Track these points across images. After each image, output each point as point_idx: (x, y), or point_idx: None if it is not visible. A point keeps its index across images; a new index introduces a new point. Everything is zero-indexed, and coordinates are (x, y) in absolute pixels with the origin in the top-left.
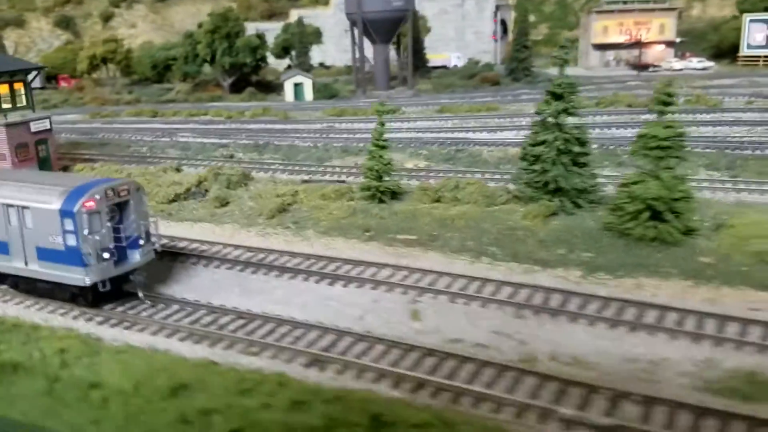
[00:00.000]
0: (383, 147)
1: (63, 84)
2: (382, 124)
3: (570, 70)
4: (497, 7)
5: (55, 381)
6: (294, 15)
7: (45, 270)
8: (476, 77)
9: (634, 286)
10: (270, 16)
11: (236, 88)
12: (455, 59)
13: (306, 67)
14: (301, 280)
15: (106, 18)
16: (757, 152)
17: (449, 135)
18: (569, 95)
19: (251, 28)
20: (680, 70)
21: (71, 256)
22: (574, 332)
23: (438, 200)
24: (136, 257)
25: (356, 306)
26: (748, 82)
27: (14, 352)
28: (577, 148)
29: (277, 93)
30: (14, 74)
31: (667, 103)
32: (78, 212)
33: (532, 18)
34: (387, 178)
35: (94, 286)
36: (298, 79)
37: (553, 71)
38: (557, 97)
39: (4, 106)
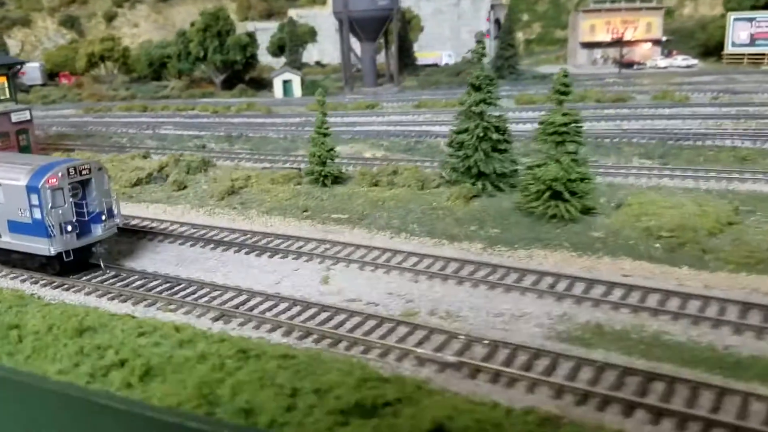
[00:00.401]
0: (325, 134)
1: (63, 81)
2: (324, 114)
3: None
4: (492, 7)
5: None
6: (292, 15)
7: (16, 241)
8: (462, 74)
9: (526, 256)
10: (269, 15)
11: (229, 85)
12: (446, 57)
13: (297, 65)
14: (233, 253)
15: (110, 18)
16: (698, 143)
17: (417, 128)
18: (487, 87)
19: (250, 27)
20: (665, 67)
21: (37, 228)
22: (456, 293)
23: (376, 184)
24: (98, 231)
25: (275, 273)
26: (725, 79)
27: None
28: (495, 136)
29: (268, 90)
30: None
31: (564, 93)
32: (42, 188)
33: (525, 17)
34: (330, 164)
35: (60, 255)
36: (287, 76)
37: (542, 69)
38: (477, 88)
39: None
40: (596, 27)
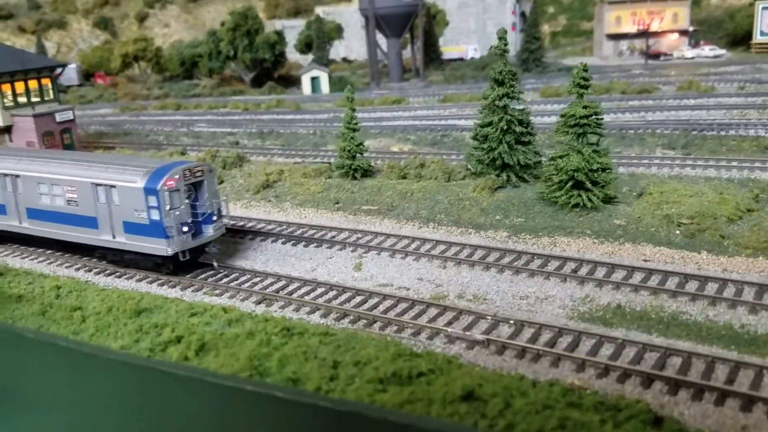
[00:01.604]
0: (354, 130)
1: (99, 81)
2: (353, 110)
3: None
4: (518, 0)
5: (49, 307)
6: (319, 12)
7: (131, 242)
8: (487, 68)
9: (549, 243)
10: (296, 13)
11: (258, 83)
12: (472, 51)
13: (324, 62)
14: (270, 242)
15: (142, 18)
16: (721, 133)
17: (443, 122)
18: (510, 81)
19: (278, 25)
20: (692, 58)
21: (155, 229)
22: (483, 278)
23: (404, 177)
24: (209, 231)
25: (311, 261)
26: (752, 68)
27: (21, 288)
28: (519, 128)
29: (297, 87)
30: (41, 71)
31: (583, 86)
32: (161, 189)
33: (551, 9)
34: (359, 158)
35: (175, 255)
36: (315, 73)
37: (568, 61)
38: (500, 83)
39: (33, 99)
40: (622, 18)
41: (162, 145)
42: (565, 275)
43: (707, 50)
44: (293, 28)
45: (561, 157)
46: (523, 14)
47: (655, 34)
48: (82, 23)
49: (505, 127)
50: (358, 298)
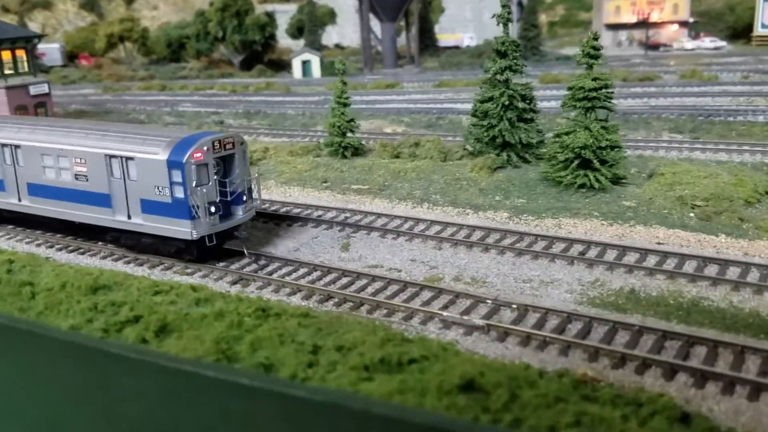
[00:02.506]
0: (345, 104)
1: (83, 62)
2: (344, 83)
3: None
4: None
5: None
6: None
7: (150, 223)
8: (484, 55)
9: (554, 225)
10: None
11: (247, 66)
12: (468, 39)
13: (316, 47)
14: (250, 220)
15: (130, 0)
16: (730, 119)
17: (438, 105)
18: (513, 53)
19: (270, 9)
20: (692, 49)
21: (178, 209)
22: (482, 260)
23: (397, 156)
24: (239, 213)
25: (294, 240)
26: (755, 59)
27: None
28: (521, 104)
29: (287, 71)
30: (15, 41)
31: (594, 57)
32: (187, 163)
33: None
34: (350, 135)
35: (201, 240)
36: (306, 56)
37: (566, 51)
38: (502, 54)
39: (6, 71)
40: (621, 8)
41: (142, 123)
42: (572, 258)
43: (707, 42)
44: (285, 13)
45: (567, 133)
46: (520, 4)
47: (655, 24)
48: (68, 4)
49: (506, 103)
50: (345, 280)
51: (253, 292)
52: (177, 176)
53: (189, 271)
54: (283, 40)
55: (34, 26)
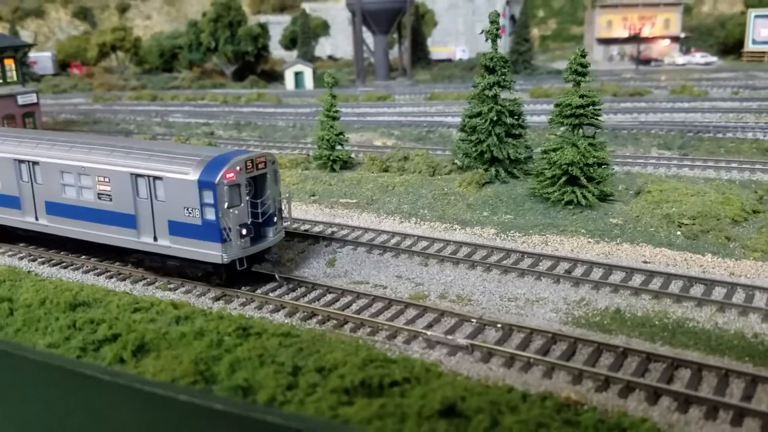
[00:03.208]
0: (334, 118)
1: (75, 71)
2: (333, 96)
3: None
4: (508, 2)
5: None
6: (305, 8)
7: (177, 246)
8: (475, 69)
9: (541, 242)
10: (282, 9)
11: (240, 76)
12: (460, 52)
13: (309, 58)
14: None
15: (123, 9)
16: (718, 135)
17: (429, 119)
18: (501, 69)
19: (263, 20)
20: (683, 64)
21: (208, 232)
22: (468, 277)
23: (386, 170)
24: (270, 235)
25: (278, 255)
26: (745, 75)
27: None
28: (510, 120)
29: (280, 82)
30: (4, 51)
31: (581, 73)
32: (219, 183)
33: (541, 13)
34: (339, 148)
35: (231, 264)
36: (299, 67)
37: (558, 65)
38: (490, 70)
39: None
40: (613, 23)
41: (132, 133)
42: (558, 276)
43: (698, 57)
44: (279, 24)
45: (554, 150)
46: (513, 17)
47: (646, 39)
48: (60, 12)
49: (494, 118)
50: (329, 296)
51: (236, 308)
52: (208, 197)
53: (171, 286)
54: (277, 51)
55: (26, 34)
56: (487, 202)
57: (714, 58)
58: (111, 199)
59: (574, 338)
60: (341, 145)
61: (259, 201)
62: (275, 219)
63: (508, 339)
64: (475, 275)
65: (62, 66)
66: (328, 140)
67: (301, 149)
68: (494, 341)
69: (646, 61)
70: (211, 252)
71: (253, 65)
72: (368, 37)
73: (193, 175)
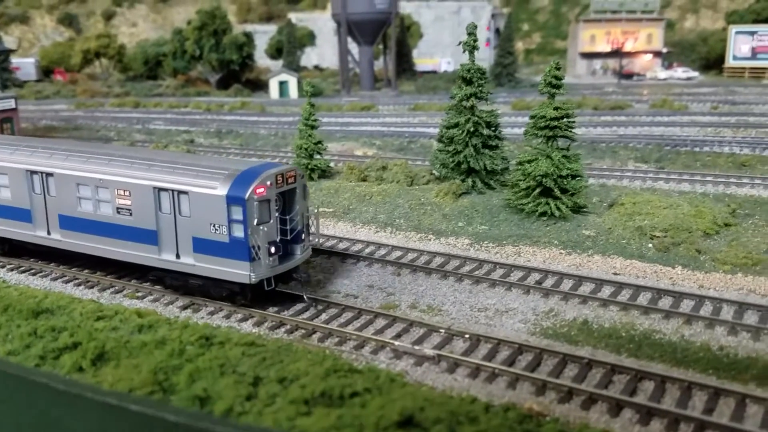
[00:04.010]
0: (313, 127)
1: (58, 77)
2: (311, 105)
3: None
4: (493, 16)
5: None
6: (292, 17)
7: (202, 264)
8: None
9: (514, 253)
10: (269, 18)
11: (225, 85)
12: (445, 64)
13: (294, 67)
14: None
15: (108, 16)
16: (695, 149)
17: (411, 129)
18: (479, 80)
19: (249, 29)
20: (665, 79)
21: (236, 250)
22: (440, 287)
23: (364, 179)
24: (297, 253)
25: None
26: (725, 90)
27: None
28: (486, 131)
29: (265, 91)
30: None
31: (555, 86)
32: (249, 199)
33: (526, 27)
34: (317, 157)
35: (258, 284)
36: (283, 77)
37: (540, 78)
38: (467, 81)
39: None
40: (596, 37)
41: (111, 140)
42: (528, 287)
43: (680, 72)
44: (265, 33)
45: (529, 161)
46: (497, 30)
47: (629, 54)
48: (46, 19)
49: (471, 129)
50: (299, 306)
51: (203, 318)
52: (237, 213)
53: (139, 294)
54: (263, 61)
55: (10, 40)
56: (462, 213)
57: (695, 73)
58: (131, 214)
59: (540, 349)
60: (320, 154)
61: (288, 217)
62: (303, 236)
63: (474, 349)
64: (447, 285)
65: (46, 72)
66: (306, 149)
67: (282, 157)
68: (461, 352)
69: (629, 76)
70: (239, 271)
71: (237, 74)
72: (354, 47)
73: (221, 190)
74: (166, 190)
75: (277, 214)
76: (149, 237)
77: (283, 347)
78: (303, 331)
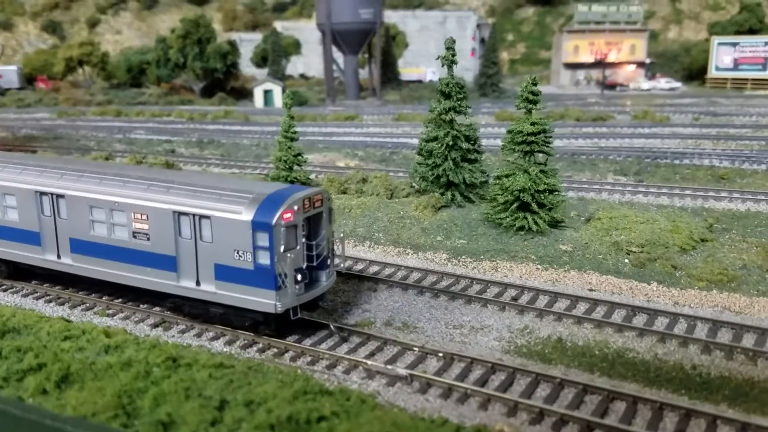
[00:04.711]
0: (292, 139)
1: (41, 85)
2: (291, 117)
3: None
4: (478, 26)
5: None
6: (278, 26)
7: (224, 292)
8: None
9: (491, 267)
10: (254, 27)
11: (209, 93)
12: (430, 74)
13: (279, 76)
14: None
15: (93, 24)
16: (675, 161)
17: (394, 140)
18: (457, 94)
19: (234, 38)
20: (648, 90)
21: (261, 277)
22: (415, 303)
23: (344, 191)
24: (323, 280)
25: None
26: (707, 101)
27: None
28: (465, 145)
29: (249, 100)
30: None
31: (532, 101)
32: (277, 225)
33: (510, 37)
34: (296, 169)
35: (284, 313)
36: (268, 86)
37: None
38: (446, 95)
39: None
40: (580, 48)
41: (91, 150)
42: (504, 303)
43: (663, 83)
44: (251, 42)
45: (507, 176)
46: (482, 40)
47: (612, 64)
48: (29, 26)
49: (450, 143)
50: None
51: (174, 336)
52: (263, 240)
53: (110, 312)
54: (248, 69)
55: None
56: (441, 227)
57: (678, 84)
58: (148, 239)
59: (513, 368)
60: (299, 166)
61: (314, 243)
62: (328, 261)
63: (448, 369)
64: (423, 301)
65: (29, 80)
66: (285, 161)
67: (263, 169)
68: (434, 371)
69: (612, 86)
70: (264, 300)
71: (222, 82)
72: (340, 57)
73: (247, 215)
74: (186, 214)
75: (303, 240)
76: (168, 263)
77: (254, 367)
78: (275, 350)
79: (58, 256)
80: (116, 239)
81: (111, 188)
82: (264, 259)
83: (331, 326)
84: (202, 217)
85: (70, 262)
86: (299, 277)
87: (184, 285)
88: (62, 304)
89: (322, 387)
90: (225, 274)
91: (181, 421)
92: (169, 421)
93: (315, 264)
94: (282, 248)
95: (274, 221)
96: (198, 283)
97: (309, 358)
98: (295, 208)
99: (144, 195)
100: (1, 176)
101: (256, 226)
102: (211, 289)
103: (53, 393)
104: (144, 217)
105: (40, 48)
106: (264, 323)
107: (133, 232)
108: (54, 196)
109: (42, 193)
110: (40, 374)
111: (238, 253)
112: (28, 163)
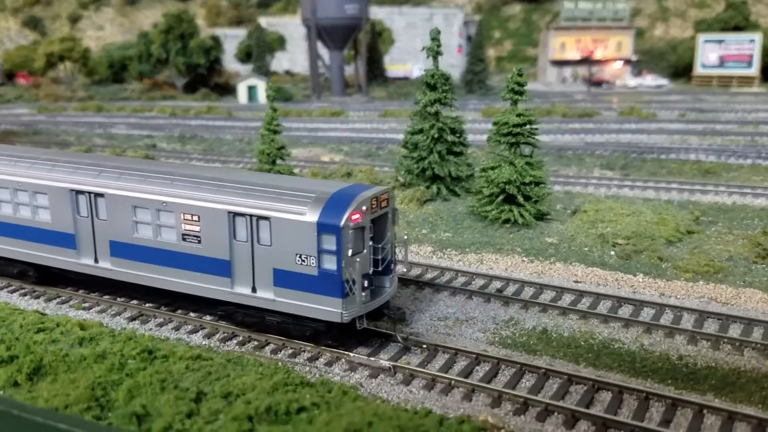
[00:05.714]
0: (275, 131)
1: (21, 81)
2: (274, 110)
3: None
4: (465, 23)
5: None
6: (262, 22)
7: (284, 299)
8: None
9: (476, 260)
10: (239, 22)
11: (192, 89)
12: (417, 70)
13: (264, 72)
14: None
15: (74, 20)
16: (662, 156)
17: (380, 135)
18: (443, 86)
19: (218, 33)
20: (634, 87)
21: (327, 284)
22: (399, 297)
23: None
24: (387, 285)
25: None
26: (693, 98)
27: None
28: (451, 138)
29: (234, 95)
30: None
31: (518, 92)
32: (344, 227)
33: (497, 34)
34: (280, 162)
35: (350, 322)
36: (252, 81)
37: None
38: (432, 87)
39: None
40: (566, 45)
41: (70, 145)
42: (489, 295)
43: (649, 80)
44: (235, 38)
45: (492, 168)
46: (469, 37)
47: (599, 61)
48: (10, 21)
49: (436, 136)
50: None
51: (152, 329)
52: (329, 243)
53: (86, 305)
54: (233, 65)
55: None
56: (427, 220)
57: (665, 81)
58: (199, 242)
59: (497, 359)
60: (282, 159)
61: (380, 246)
62: (392, 266)
63: (432, 360)
64: (407, 294)
65: (9, 76)
66: (268, 154)
67: (246, 163)
68: (417, 363)
69: (599, 83)
70: (328, 308)
71: (205, 78)
72: (325, 53)
73: (311, 216)
74: (242, 215)
75: (370, 243)
76: (221, 268)
77: (233, 360)
78: (256, 342)
79: (96, 260)
80: (163, 242)
81: (157, 186)
82: (330, 263)
83: (398, 337)
84: (260, 218)
85: (109, 267)
86: (366, 283)
87: (239, 291)
88: (37, 297)
89: (303, 379)
90: (285, 279)
91: (156, 413)
92: (144, 413)
93: (380, 268)
94: (350, 252)
95: (342, 223)
96: (254, 290)
97: (290, 351)
98: (363, 208)
99: (194, 194)
100: (29, 173)
101: (322, 227)
102: (269, 296)
103: (25, 385)
104: (195, 218)
105: (20, 44)
106: (326, 333)
107: (182, 234)
108: (92, 195)
109: (78, 192)
110: (12, 366)
111: (300, 257)
112: (58, 159)
